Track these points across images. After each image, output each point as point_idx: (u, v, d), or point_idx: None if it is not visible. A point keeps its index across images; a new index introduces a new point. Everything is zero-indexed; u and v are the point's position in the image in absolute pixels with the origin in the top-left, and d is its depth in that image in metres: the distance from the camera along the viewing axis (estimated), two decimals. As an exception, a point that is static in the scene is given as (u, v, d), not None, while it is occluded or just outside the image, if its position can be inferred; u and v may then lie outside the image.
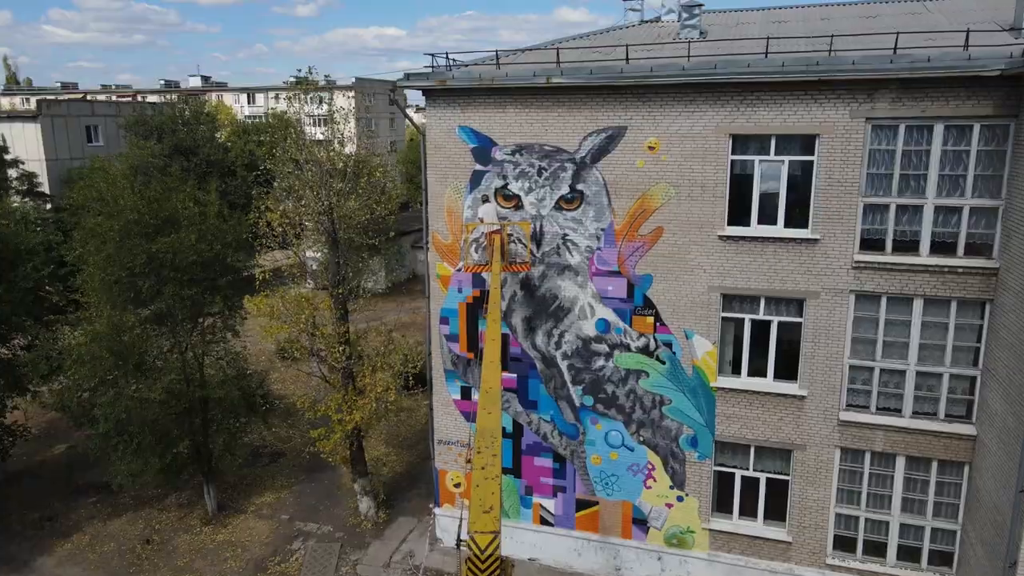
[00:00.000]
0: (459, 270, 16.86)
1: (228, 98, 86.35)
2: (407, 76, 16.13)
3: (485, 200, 16.09)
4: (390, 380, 17.87)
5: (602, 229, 15.68)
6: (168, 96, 71.03)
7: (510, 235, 16.21)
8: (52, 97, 68.86)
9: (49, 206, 40.20)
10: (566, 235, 15.94)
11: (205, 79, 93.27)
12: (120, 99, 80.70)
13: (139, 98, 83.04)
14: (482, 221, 15.95)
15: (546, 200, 15.92)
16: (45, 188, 42.97)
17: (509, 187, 16.14)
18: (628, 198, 15.37)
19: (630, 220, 15.44)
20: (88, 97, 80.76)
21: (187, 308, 18.95)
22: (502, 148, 16.04)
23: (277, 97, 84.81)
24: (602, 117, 15.23)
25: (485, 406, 9.34)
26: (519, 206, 16.14)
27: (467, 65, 16.69)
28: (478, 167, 16.33)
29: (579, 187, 15.66)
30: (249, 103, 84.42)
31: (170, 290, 18.32)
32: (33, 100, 70.96)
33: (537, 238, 16.14)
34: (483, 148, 16.20)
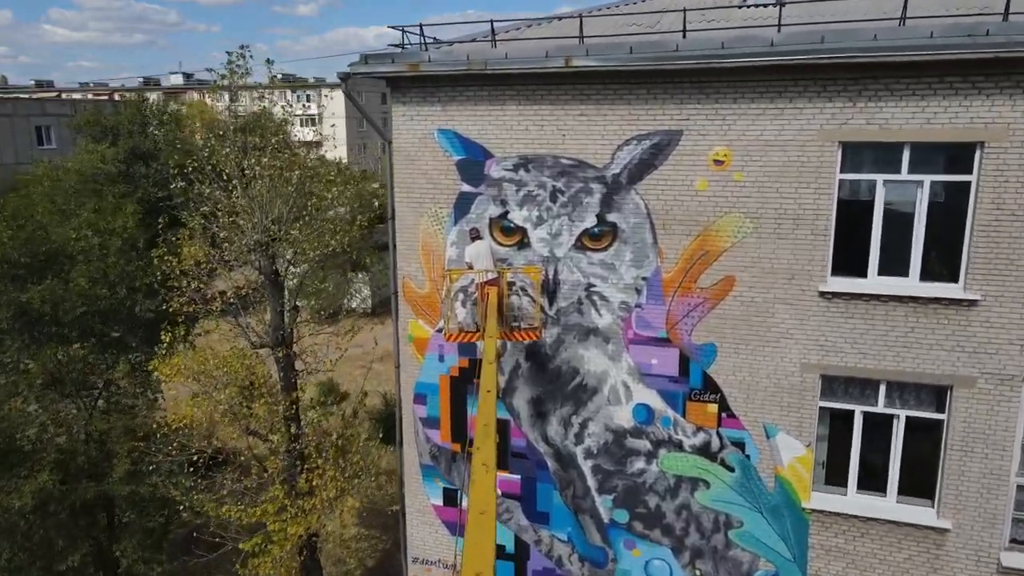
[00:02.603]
0: (439, 331, 12.05)
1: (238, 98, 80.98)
2: (364, 59, 11.31)
3: (475, 236, 11.29)
4: (345, 482, 13.03)
5: (644, 278, 10.89)
6: (146, 95, 66.04)
7: (511, 285, 11.41)
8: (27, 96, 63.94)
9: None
10: (592, 286, 11.15)
11: (187, 76, 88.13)
12: (96, 97, 75.81)
13: (116, 96, 78.09)
14: (471, 267, 11.15)
15: (563, 236, 11.13)
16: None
17: (510, 217, 11.35)
18: (683, 234, 10.58)
19: (686, 266, 10.65)
20: (63, 96, 75.83)
21: (78, 373, 14.08)
22: (500, 161, 11.26)
23: (262, 96, 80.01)
24: (646, 117, 10.44)
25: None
26: (524, 244, 11.35)
27: (450, 44, 11.86)
28: (466, 188, 11.54)
29: (610, 218, 10.87)
30: (232, 102, 79.26)
31: (50, 351, 13.46)
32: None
33: (550, 290, 11.34)
34: (473, 161, 11.41)
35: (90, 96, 78.49)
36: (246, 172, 13.16)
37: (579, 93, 10.65)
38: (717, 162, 10.27)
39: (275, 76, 15.62)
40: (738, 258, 10.41)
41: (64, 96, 76.38)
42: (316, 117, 77.31)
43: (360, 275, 41.06)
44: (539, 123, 10.94)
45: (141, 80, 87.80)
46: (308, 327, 15.08)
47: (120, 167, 36.71)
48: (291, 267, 14.31)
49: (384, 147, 12.00)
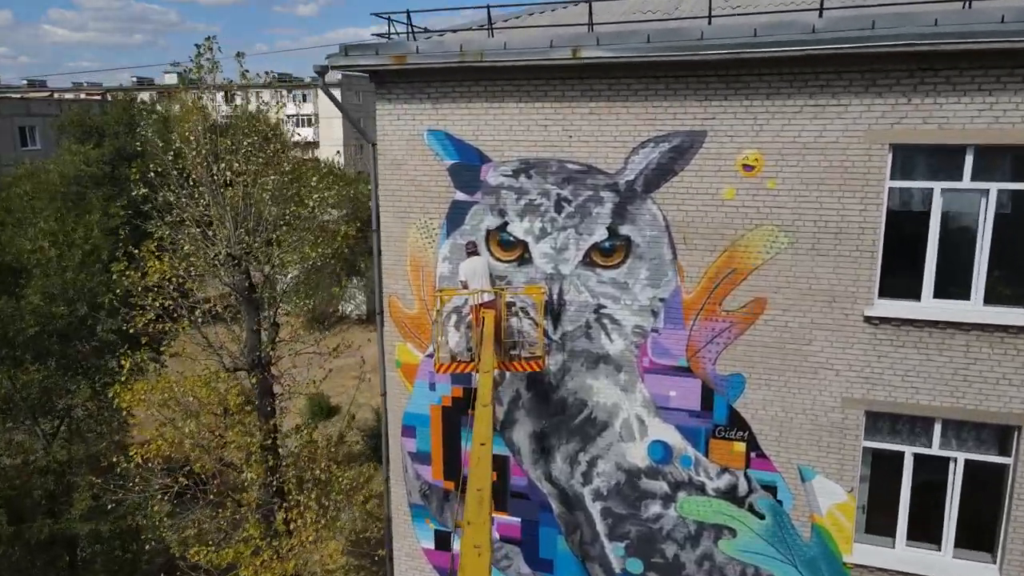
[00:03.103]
0: (430, 357, 10.72)
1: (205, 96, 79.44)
2: (344, 50, 9.99)
3: (472, 251, 9.98)
4: (327, 524, 11.69)
5: (661, 300, 9.57)
6: (133, 94, 64.51)
7: (510, 307, 10.08)
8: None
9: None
10: (601, 307, 9.84)
11: (181, 76, 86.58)
12: (89, 97, 74.42)
13: (109, 96, 76.46)
14: (465, 285, 9.84)
15: (569, 251, 9.81)
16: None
17: (509, 229, 10.04)
18: (707, 250, 9.26)
19: (709, 286, 9.33)
20: (56, 95, 74.37)
21: (35, 398, 12.75)
22: (498, 166, 9.94)
23: (257, 96, 78.41)
24: (664, 116, 9.13)
25: None
26: (525, 259, 10.04)
27: (440, 33, 10.55)
28: (460, 196, 10.23)
29: (623, 230, 9.55)
30: (226, 102, 77.72)
31: (2, 374, 12.14)
32: None
33: (555, 311, 10.03)
34: (467, 166, 10.10)
35: (83, 96, 77.01)
36: (216, 177, 11.83)
37: (588, 89, 9.34)
38: (747, 167, 8.95)
39: (246, 72, 14.29)
40: (770, 277, 9.09)
41: (56, 96, 74.94)
42: (312, 117, 76.01)
43: (354, 280, 39.77)
44: (542, 123, 9.62)
45: (134, 79, 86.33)
46: (289, 347, 13.75)
47: (105, 169, 35.43)
48: (268, 282, 13.00)
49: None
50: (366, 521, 19.26)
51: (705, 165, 9.09)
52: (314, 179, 13.71)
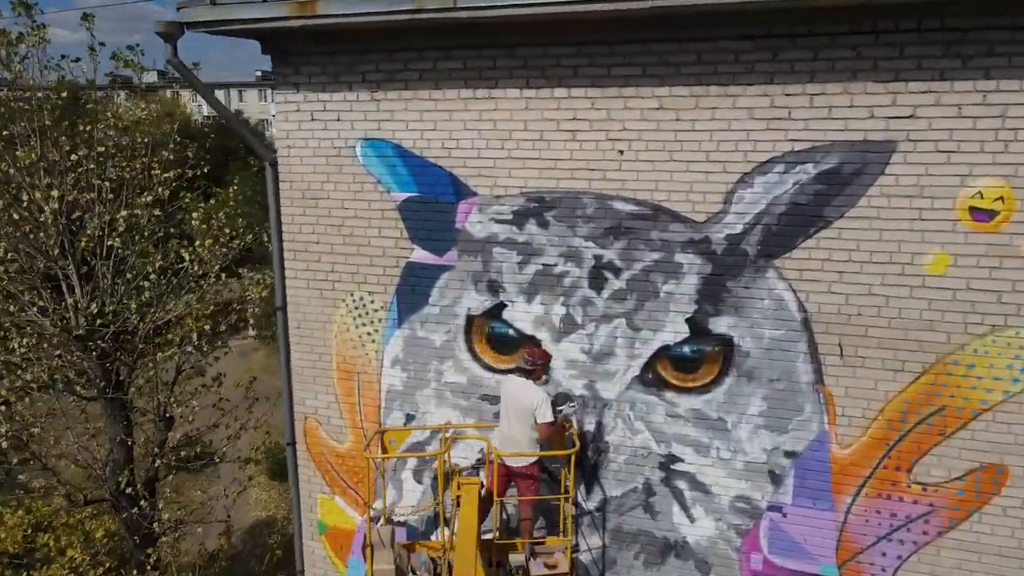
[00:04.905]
0: (373, 519, 6.26)
1: (189, 95, 75.25)
2: (211, -4, 5.49)
3: (529, 367, 5.47)
4: None
5: (790, 454, 5.15)
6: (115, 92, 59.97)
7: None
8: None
9: None
10: (675, 460, 5.41)
11: (162, 74, 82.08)
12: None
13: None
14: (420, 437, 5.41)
15: (617, 359, 5.38)
16: None
17: (507, 315, 5.62)
18: (887, 369, 4.84)
19: (888, 435, 4.91)
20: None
21: None
22: (488, 205, 5.51)
23: (240, 95, 74.17)
24: (808, 113, 4.70)
25: None
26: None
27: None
28: (420, 255, 5.80)
29: (719, 326, 5.13)
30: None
31: None
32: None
33: (589, 463, 5.60)
34: (433, 203, 5.68)
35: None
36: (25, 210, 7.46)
37: (658, 61, 4.91)
38: (979, 214, 4.54)
39: (38, 26, 9.01)
40: (1018, 427, 4.67)
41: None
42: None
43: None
44: (568, 127, 5.20)
45: (109, 76, 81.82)
46: (181, 453, 9.33)
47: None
48: (149, 363, 8.61)
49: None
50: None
51: (889, 207, 4.67)
52: (195, 215, 9.26)
